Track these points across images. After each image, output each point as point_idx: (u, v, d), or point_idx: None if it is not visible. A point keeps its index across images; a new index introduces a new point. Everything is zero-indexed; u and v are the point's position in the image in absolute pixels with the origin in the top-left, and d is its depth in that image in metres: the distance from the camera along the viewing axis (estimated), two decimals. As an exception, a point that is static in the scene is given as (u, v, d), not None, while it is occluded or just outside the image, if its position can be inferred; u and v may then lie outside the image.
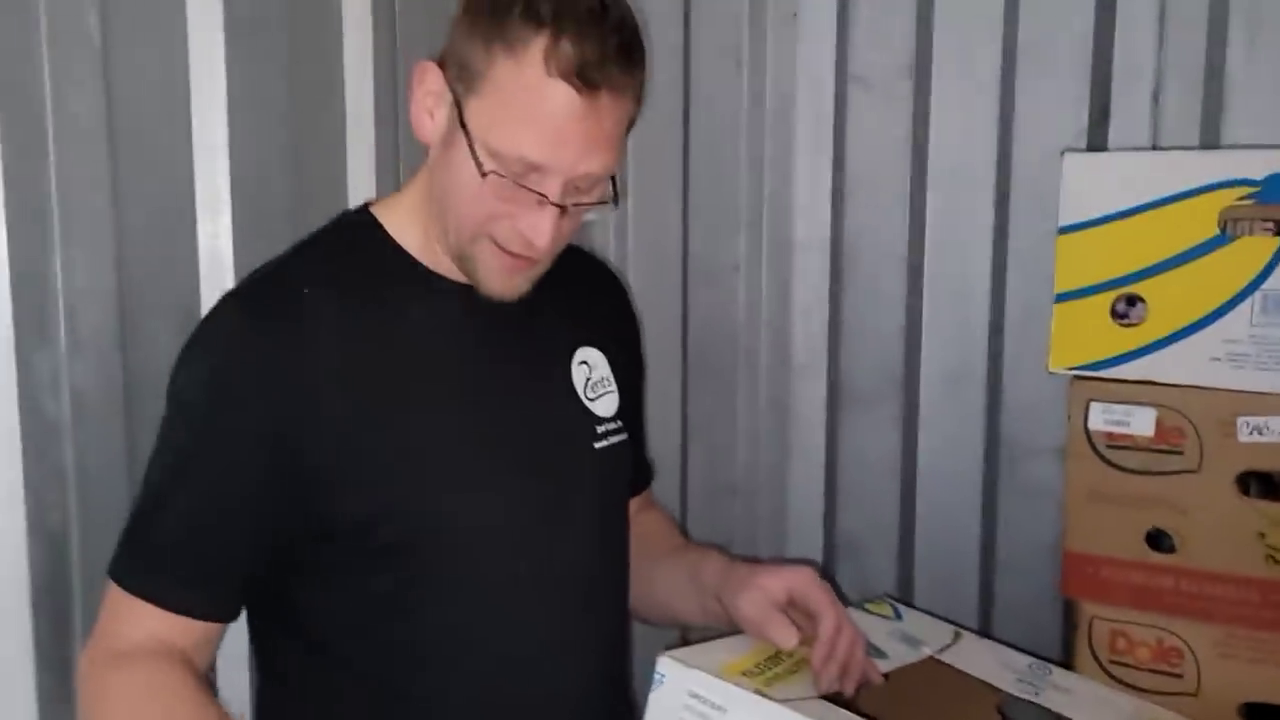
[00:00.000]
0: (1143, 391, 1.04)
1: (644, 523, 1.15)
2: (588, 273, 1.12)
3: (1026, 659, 1.07)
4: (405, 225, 0.96)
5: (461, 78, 0.85)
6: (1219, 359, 1.01)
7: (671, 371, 1.83)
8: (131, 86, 1.03)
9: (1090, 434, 1.07)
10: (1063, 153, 1.07)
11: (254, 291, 0.94)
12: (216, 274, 1.13)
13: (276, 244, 1.19)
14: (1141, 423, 1.04)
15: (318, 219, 1.24)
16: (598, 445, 1.01)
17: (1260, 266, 0.99)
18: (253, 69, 1.15)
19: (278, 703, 1.00)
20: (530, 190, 0.84)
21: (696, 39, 1.74)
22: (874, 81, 1.65)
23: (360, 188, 1.33)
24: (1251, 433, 1.00)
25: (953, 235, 1.62)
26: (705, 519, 1.84)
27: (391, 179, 1.37)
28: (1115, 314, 1.05)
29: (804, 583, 0.95)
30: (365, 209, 1.00)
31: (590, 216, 0.94)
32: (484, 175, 0.84)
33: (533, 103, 0.81)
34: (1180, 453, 1.03)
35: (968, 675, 1.01)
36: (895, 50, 1.63)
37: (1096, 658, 1.09)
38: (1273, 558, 1.01)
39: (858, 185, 1.69)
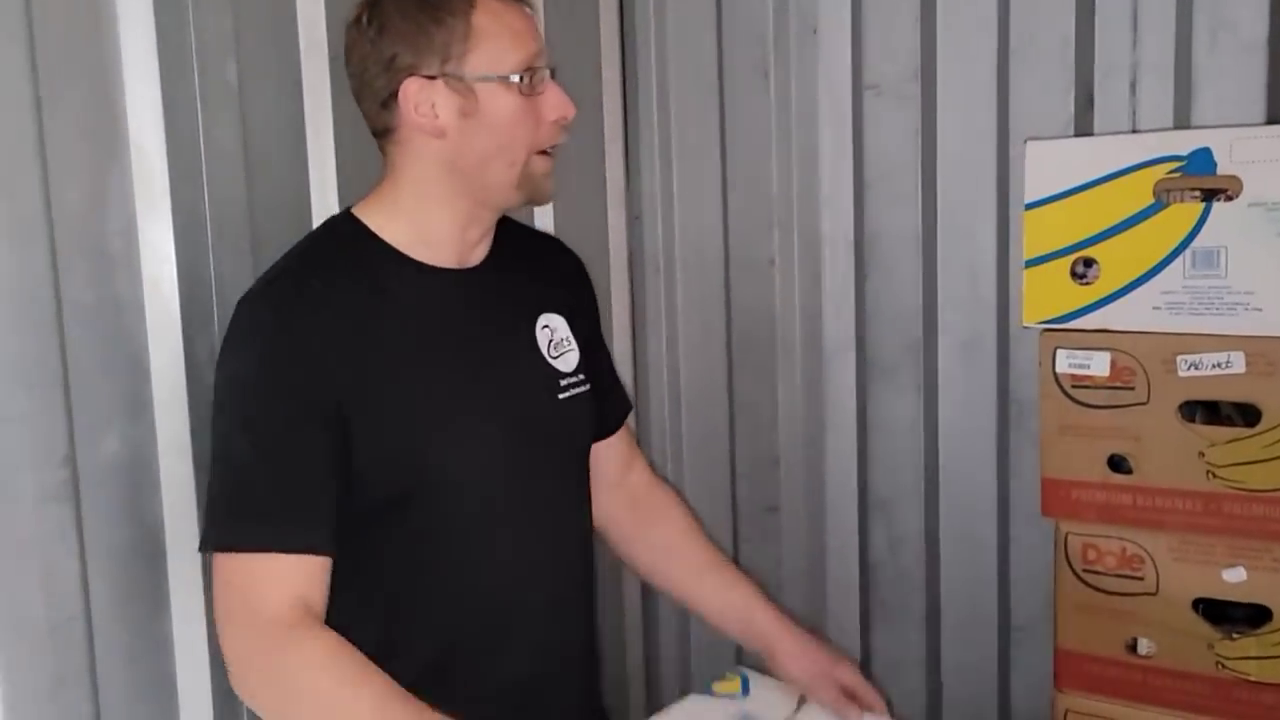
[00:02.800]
0: (1099, 339, 1.22)
1: (663, 511, 1.37)
2: (546, 250, 1.31)
3: None
4: (386, 224, 1.12)
5: (450, 56, 1.05)
6: (1159, 307, 1.19)
7: (717, 356, 2.04)
8: (261, 120, 1.29)
9: (1058, 377, 1.25)
10: (1025, 141, 1.26)
11: (274, 291, 1.09)
12: (329, 270, 1.38)
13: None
14: (1099, 365, 1.23)
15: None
16: (561, 396, 1.19)
17: (1189, 228, 1.16)
18: (353, 101, 1.39)
19: None
20: (539, 79, 1.08)
21: (728, 56, 1.96)
22: (886, 87, 1.85)
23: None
24: (1189, 368, 1.18)
25: (961, 219, 1.80)
26: (751, 487, 2.04)
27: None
28: (1074, 274, 1.23)
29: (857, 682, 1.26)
30: (348, 214, 1.16)
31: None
32: (521, 84, 1.06)
33: (512, 24, 1.07)
34: (1132, 388, 1.21)
35: None
36: (903, 58, 1.82)
37: (1072, 568, 1.27)
38: (1212, 473, 1.18)
39: (876, 181, 1.88)
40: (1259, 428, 1.15)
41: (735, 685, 1.25)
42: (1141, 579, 1.23)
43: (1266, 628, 1.17)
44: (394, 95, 1.07)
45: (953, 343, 1.85)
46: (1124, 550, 1.24)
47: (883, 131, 1.86)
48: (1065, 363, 1.24)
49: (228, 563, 1.02)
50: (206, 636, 1.19)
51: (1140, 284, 1.19)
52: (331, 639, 0.99)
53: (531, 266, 1.23)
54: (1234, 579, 1.18)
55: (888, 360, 1.92)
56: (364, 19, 1.09)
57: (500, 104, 1.06)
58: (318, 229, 1.20)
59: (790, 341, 1.98)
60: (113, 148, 1.12)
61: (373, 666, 0.99)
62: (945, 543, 1.88)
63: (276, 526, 1.01)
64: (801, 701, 1.23)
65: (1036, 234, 1.25)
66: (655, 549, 1.35)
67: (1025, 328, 1.29)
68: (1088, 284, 1.22)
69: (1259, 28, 1.55)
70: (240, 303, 1.10)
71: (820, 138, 1.91)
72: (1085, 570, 1.26)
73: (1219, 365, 1.16)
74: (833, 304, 1.95)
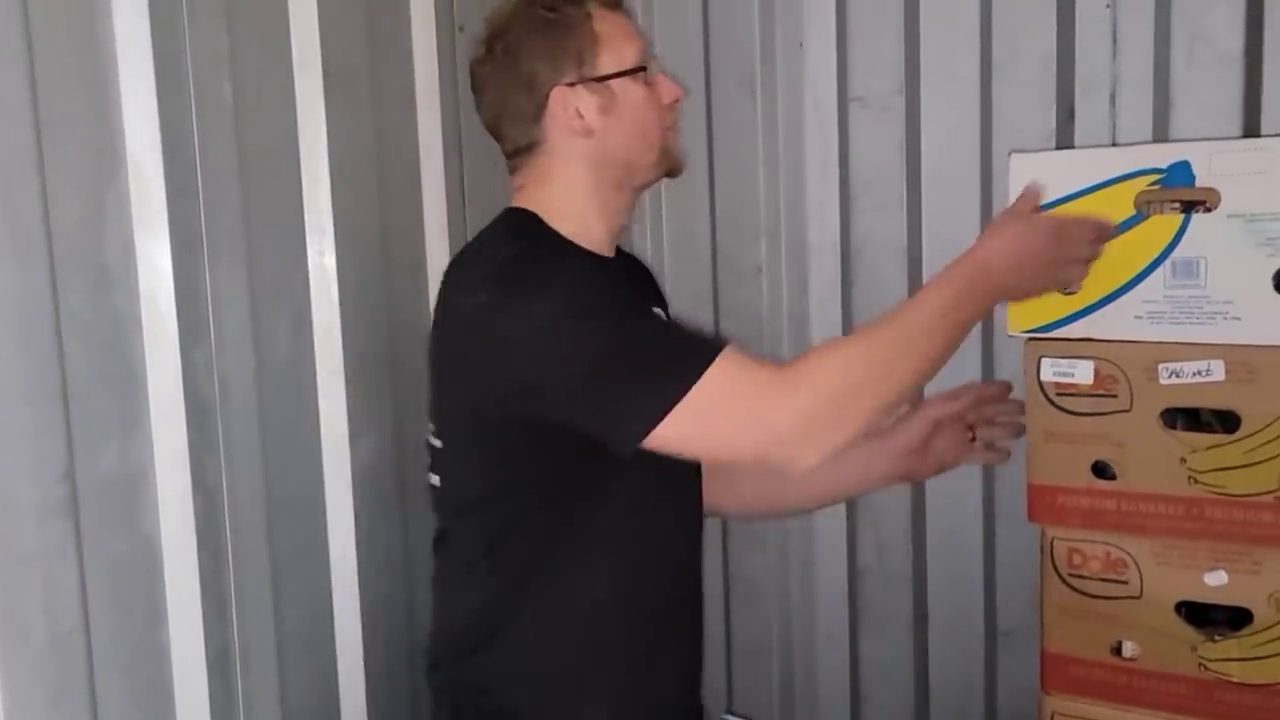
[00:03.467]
0: (1082, 347, 1.24)
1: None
2: (634, 260, 1.43)
3: None
4: (559, 221, 1.20)
5: (584, 62, 1.17)
6: (1141, 317, 1.21)
7: (706, 363, 2.06)
8: (256, 136, 1.30)
9: (1043, 385, 1.28)
10: (1010, 153, 1.29)
11: (535, 250, 1.18)
12: (323, 283, 1.39)
13: (370, 259, 1.46)
14: (1083, 373, 1.25)
15: (399, 238, 1.51)
16: None
17: (1169, 239, 1.18)
18: (346, 116, 1.41)
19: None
20: (653, 72, 1.21)
21: (716, 70, 1.99)
22: (871, 100, 1.88)
23: (433, 209, 1.59)
24: (1170, 376, 1.20)
25: (945, 229, 1.83)
26: (740, 492, 2.06)
27: (458, 201, 1.63)
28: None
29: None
30: (523, 210, 1.22)
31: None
32: (643, 75, 1.19)
33: (622, 27, 1.21)
34: (1115, 396, 1.23)
35: None
36: (888, 72, 1.85)
37: (1058, 572, 1.30)
38: (1193, 478, 1.20)
39: (862, 191, 1.91)
40: (1239, 434, 1.18)
41: None
42: (1126, 583, 1.25)
43: (1247, 630, 1.19)
44: (541, 108, 1.18)
45: (938, 351, 1.87)
46: (1108, 554, 1.26)
47: (868, 143, 1.89)
48: (1050, 371, 1.27)
49: (701, 393, 1.03)
50: (203, 646, 1.20)
51: (1122, 293, 1.22)
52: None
53: (634, 273, 1.37)
54: (1215, 582, 1.21)
55: (874, 368, 1.94)
56: (495, 51, 1.19)
57: (633, 95, 1.19)
58: (507, 221, 1.23)
59: (778, 347, 2.00)
60: (110, 164, 1.13)
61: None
62: (932, 547, 1.91)
63: (704, 343, 1.09)
64: None
65: (1021, 245, 1.27)
66: (747, 492, 1.43)
67: (1009, 336, 1.31)
68: (1071, 293, 1.25)
69: (1235, 40, 1.59)
70: (504, 264, 1.15)
71: (807, 149, 1.94)
72: (1071, 574, 1.29)
73: (1199, 373, 1.18)
74: (819, 310, 1.98)
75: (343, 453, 1.41)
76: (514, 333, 1.08)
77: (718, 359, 1.04)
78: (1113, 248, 1.22)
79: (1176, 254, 1.19)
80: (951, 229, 1.82)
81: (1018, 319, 1.29)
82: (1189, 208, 1.18)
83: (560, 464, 1.14)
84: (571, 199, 1.20)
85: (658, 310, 1.27)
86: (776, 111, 1.95)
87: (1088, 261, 1.19)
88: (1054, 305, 1.26)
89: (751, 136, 1.96)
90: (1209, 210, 1.16)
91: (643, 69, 1.20)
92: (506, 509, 1.18)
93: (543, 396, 1.08)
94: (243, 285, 1.28)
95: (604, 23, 1.19)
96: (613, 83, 1.18)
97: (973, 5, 1.76)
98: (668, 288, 2.05)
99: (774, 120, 1.96)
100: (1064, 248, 1.16)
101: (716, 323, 2.04)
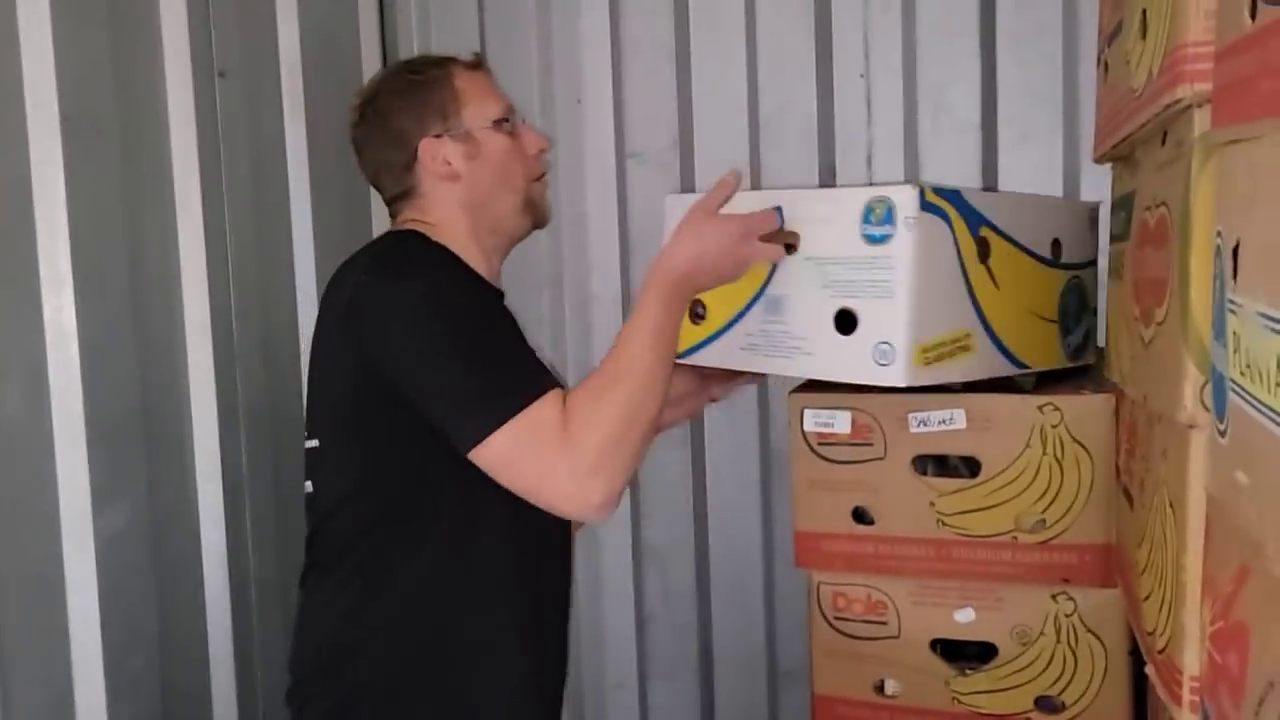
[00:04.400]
0: (842, 399, 1.30)
1: None
2: None
3: None
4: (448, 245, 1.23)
5: (448, 115, 1.26)
6: (745, 348, 1.23)
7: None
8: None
9: (806, 435, 1.33)
10: (667, 197, 1.32)
11: (431, 246, 1.20)
12: (61, 342, 1.29)
13: (117, 315, 1.37)
14: (841, 423, 1.31)
15: (153, 292, 1.42)
16: None
17: (765, 277, 1.20)
18: (89, 163, 1.32)
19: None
20: (516, 123, 1.30)
21: (496, 122, 1.98)
22: (648, 155, 1.93)
23: (192, 261, 1.51)
24: (919, 425, 1.27)
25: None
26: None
27: (220, 252, 1.56)
28: (694, 315, 1.28)
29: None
30: (414, 232, 1.23)
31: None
32: (506, 126, 1.27)
33: (483, 84, 1.30)
34: (871, 444, 1.29)
35: None
36: (663, 129, 1.91)
37: (825, 616, 1.34)
38: (941, 521, 1.28)
39: (641, 244, 1.95)
40: (979, 478, 1.26)
41: None
42: (885, 623, 1.31)
43: (993, 663, 1.27)
44: (413, 158, 1.26)
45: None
46: (869, 597, 1.32)
47: (645, 197, 1.94)
48: (811, 422, 1.32)
49: (519, 423, 1.08)
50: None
51: (731, 326, 1.25)
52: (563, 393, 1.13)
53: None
54: (964, 619, 1.28)
55: (657, 417, 1.97)
56: (367, 114, 1.28)
57: (495, 144, 1.27)
58: (391, 232, 1.26)
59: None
60: None
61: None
62: (716, 593, 1.94)
63: (544, 375, 1.13)
64: None
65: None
66: None
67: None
68: (700, 323, 1.28)
69: (973, 111, 1.73)
70: (384, 252, 1.20)
71: (588, 203, 1.96)
72: (836, 617, 1.33)
73: (944, 421, 1.26)
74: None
75: (85, 524, 1.31)
76: (387, 308, 1.14)
77: (539, 399, 1.09)
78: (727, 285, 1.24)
79: (769, 291, 1.21)
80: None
81: None
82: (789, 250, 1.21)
83: (429, 451, 1.14)
84: (451, 236, 1.24)
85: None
86: (558, 166, 1.96)
87: (760, 256, 1.21)
88: (689, 333, 1.27)
89: (533, 188, 1.96)
90: (794, 252, 1.20)
91: (505, 120, 1.28)
92: (375, 502, 1.19)
93: (401, 374, 1.12)
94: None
95: (465, 80, 1.28)
96: (476, 132, 1.26)
97: (740, 69, 1.84)
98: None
99: (555, 175, 1.96)
100: (743, 242, 1.20)
101: (501, 374, 2.02)
